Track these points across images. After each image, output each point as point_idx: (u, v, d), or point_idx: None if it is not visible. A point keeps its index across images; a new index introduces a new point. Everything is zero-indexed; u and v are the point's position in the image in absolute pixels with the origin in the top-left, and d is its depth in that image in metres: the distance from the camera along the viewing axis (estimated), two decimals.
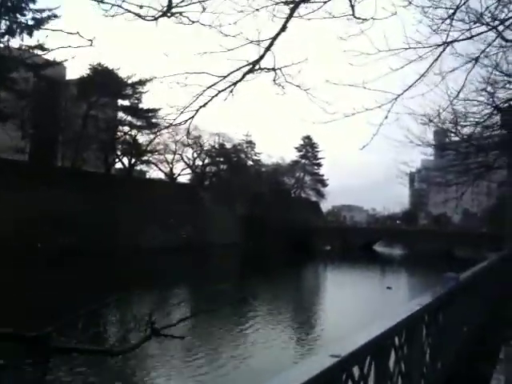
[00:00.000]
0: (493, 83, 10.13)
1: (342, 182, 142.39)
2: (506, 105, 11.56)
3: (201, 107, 5.64)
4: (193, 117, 5.72)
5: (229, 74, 5.41)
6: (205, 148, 77.98)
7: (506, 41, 7.63)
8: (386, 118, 6.46)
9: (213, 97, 5.68)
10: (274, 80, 5.50)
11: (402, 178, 12.23)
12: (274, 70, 5.51)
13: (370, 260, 62.89)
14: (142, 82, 58.72)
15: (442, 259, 62.47)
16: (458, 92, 7.49)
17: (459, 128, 10.35)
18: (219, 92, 5.61)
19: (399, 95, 6.38)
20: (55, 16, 49.21)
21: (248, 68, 5.39)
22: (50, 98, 56.26)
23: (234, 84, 5.47)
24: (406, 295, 29.25)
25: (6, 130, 52.90)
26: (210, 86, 5.60)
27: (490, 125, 11.60)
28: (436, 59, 6.20)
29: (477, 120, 10.56)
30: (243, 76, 5.32)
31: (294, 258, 59.68)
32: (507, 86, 11.28)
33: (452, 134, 10.97)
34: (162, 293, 27.01)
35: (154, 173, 76.75)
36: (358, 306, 25.15)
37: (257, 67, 5.48)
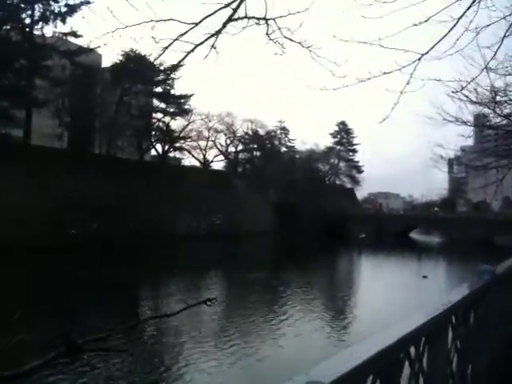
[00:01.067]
0: None
1: (380, 169, 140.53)
2: None
3: (175, 67, 4.82)
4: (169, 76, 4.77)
5: (201, 20, 4.45)
6: (238, 134, 77.63)
7: None
8: (408, 83, 5.56)
9: (188, 52, 4.66)
10: (268, 34, 4.67)
11: (436, 161, 11.29)
12: (265, 20, 4.59)
13: (406, 248, 61.38)
14: (174, 68, 58.33)
15: (480, 247, 60.65)
16: (494, 54, 6.50)
17: (498, 106, 9.45)
18: (196, 46, 4.57)
19: (423, 54, 5.46)
20: (88, 2, 49.30)
21: (228, 14, 4.41)
22: (85, 85, 56.90)
23: (215, 35, 4.48)
24: (442, 284, 28.21)
25: (42, 117, 54.04)
26: (180, 36, 4.62)
27: None
28: (469, 7, 5.29)
29: None
30: (223, 25, 4.49)
31: (327, 246, 59.00)
32: None
33: (490, 113, 10.07)
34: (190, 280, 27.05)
35: (188, 160, 77.17)
36: (392, 295, 24.32)
37: (241, 15, 4.51)
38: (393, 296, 24.04)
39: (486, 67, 8.73)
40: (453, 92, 8.48)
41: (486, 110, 9.93)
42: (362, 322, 18.33)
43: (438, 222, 79.76)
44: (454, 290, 3.82)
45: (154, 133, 62.55)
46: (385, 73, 5.41)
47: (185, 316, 18.12)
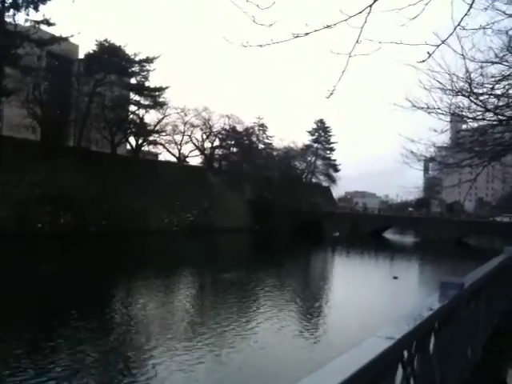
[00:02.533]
0: None
1: (358, 168, 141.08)
2: None
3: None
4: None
5: None
6: (214, 130, 76.65)
7: None
8: (358, 42, 4.59)
9: None
10: None
11: (407, 157, 10.69)
12: None
13: (379, 247, 61.48)
14: (149, 60, 57.29)
15: (453, 247, 61.17)
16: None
17: (475, 97, 8.88)
18: None
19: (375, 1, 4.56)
20: None
21: None
22: (58, 75, 55.30)
23: None
24: (411, 286, 27.95)
25: (12, 108, 52.29)
26: None
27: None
28: None
29: (495, 93, 9.11)
30: None
31: (301, 244, 58.73)
32: None
33: (466, 106, 9.48)
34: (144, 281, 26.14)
35: (164, 155, 75.89)
36: (361, 297, 23.92)
37: None
38: (362, 298, 23.67)
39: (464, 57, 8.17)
40: (425, 73, 7.88)
41: (462, 101, 9.36)
42: (329, 325, 17.91)
43: (411, 221, 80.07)
44: (411, 313, 3.16)
45: (127, 126, 60.95)
46: (328, 26, 4.62)
47: (154, 317, 17.71)
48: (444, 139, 10.48)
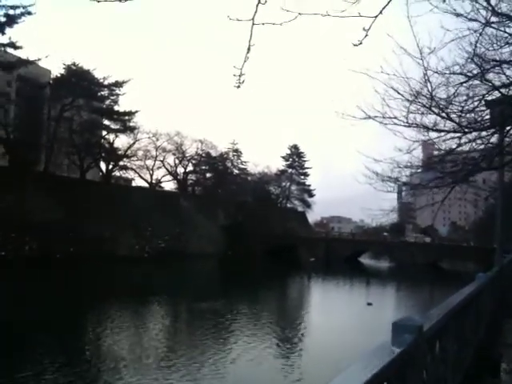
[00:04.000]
0: (481, 56, 8.06)
1: (333, 193, 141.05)
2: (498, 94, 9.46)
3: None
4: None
5: None
6: (187, 155, 75.76)
7: None
8: None
9: None
10: None
11: (371, 178, 9.93)
12: None
13: (354, 272, 60.76)
14: (118, 84, 56.47)
15: (427, 272, 60.85)
16: (431, 52, 5.20)
17: (437, 106, 8.22)
18: None
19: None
20: (29, 13, 47.12)
21: None
22: (29, 99, 54.11)
23: None
24: (384, 313, 27.08)
25: None
26: None
27: (476, 120, 9.50)
28: None
29: (460, 109, 8.47)
30: None
31: (275, 270, 57.68)
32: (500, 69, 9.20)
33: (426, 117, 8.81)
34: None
35: (139, 180, 74.46)
36: (333, 326, 22.99)
37: None
38: (334, 327, 22.80)
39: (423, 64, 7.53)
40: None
41: (423, 112, 8.67)
42: (302, 353, 17.33)
43: (386, 246, 79.88)
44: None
45: (96, 150, 59.52)
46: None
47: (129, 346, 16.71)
48: (410, 159, 9.75)
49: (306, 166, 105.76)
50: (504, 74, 9.30)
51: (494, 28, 8.06)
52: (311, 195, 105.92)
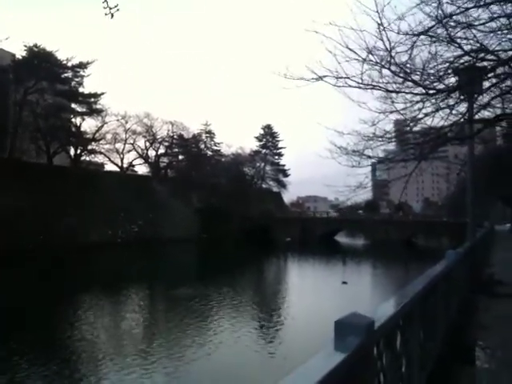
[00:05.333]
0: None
1: (308, 172, 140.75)
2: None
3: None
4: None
5: None
6: (158, 137, 74.26)
7: None
8: None
9: None
10: None
11: (335, 152, 9.31)
12: None
13: (330, 251, 60.81)
14: (82, 65, 54.61)
15: (402, 248, 61.29)
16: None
17: (398, 68, 7.59)
18: None
19: None
20: None
21: None
22: None
23: None
24: (361, 292, 26.90)
25: None
26: None
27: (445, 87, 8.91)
28: None
29: (423, 71, 7.85)
30: None
31: (251, 251, 57.33)
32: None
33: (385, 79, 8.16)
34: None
35: (110, 165, 72.75)
36: (308, 306, 22.66)
37: None
38: (310, 305, 22.49)
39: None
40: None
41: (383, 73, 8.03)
42: (278, 334, 17.18)
43: (361, 224, 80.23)
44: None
45: (63, 134, 57.59)
46: None
47: (102, 338, 16.41)
48: (375, 131, 9.13)
49: (279, 145, 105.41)
50: (474, 38, 8.71)
51: None
52: (286, 175, 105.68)
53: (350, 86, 8.02)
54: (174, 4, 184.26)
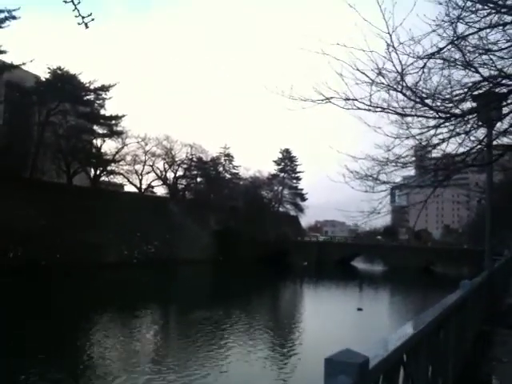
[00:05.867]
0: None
1: (326, 197, 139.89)
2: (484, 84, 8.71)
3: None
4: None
5: None
6: (177, 159, 74.84)
7: None
8: None
9: None
10: None
11: (349, 177, 9.15)
12: None
13: (346, 276, 60.06)
14: (104, 88, 55.56)
15: (420, 276, 60.21)
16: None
17: (408, 91, 7.44)
18: None
19: None
20: (13, 17, 46.29)
21: None
22: (16, 105, 53.06)
23: None
24: (375, 319, 26.35)
25: None
26: None
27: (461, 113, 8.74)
28: None
29: (438, 95, 7.69)
30: None
31: (267, 275, 56.94)
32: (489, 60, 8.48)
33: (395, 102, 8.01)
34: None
35: (129, 186, 73.41)
36: (324, 331, 22.23)
37: None
38: (324, 332, 22.04)
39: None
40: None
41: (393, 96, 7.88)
42: (290, 359, 17.03)
43: (379, 250, 79.24)
44: None
45: (83, 155, 58.40)
46: None
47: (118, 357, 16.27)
48: (389, 156, 8.95)
49: (298, 169, 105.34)
50: (492, 63, 8.54)
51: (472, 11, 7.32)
52: (304, 199, 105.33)
53: (358, 108, 7.90)
54: (191, 25, 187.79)
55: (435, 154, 10.08)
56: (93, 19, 4.79)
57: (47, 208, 49.19)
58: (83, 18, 4.76)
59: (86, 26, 4.72)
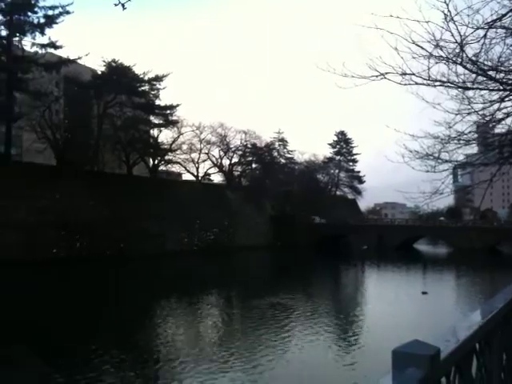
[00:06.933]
0: None
1: (387, 179, 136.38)
2: None
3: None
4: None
5: None
6: (231, 146, 75.25)
7: None
8: None
9: None
10: None
11: (410, 158, 8.64)
12: None
13: (409, 259, 58.46)
14: (158, 78, 56.43)
15: (486, 257, 57.74)
16: None
17: (468, 63, 6.82)
18: None
19: None
20: (67, 12, 47.55)
21: None
22: (75, 99, 54.98)
23: None
24: (441, 303, 25.36)
25: (26, 133, 52.01)
26: None
27: None
28: None
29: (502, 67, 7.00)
30: None
31: (326, 260, 56.52)
32: None
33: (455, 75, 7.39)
34: None
35: (186, 174, 74.75)
36: (384, 317, 21.63)
37: None
38: (388, 317, 21.43)
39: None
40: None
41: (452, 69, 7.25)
42: (355, 345, 16.50)
43: (443, 231, 76.65)
44: None
45: (141, 146, 59.78)
46: None
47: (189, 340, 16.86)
48: (451, 133, 8.35)
49: (354, 152, 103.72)
50: None
51: None
52: (361, 182, 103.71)
53: (416, 83, 7.37)
54: (246, 10, 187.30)
55: (499, 129, 9.36)
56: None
57: (109, 199, 50.71)
58: None
59: (124, 7, 4.52)
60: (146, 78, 56.39)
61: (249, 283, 34.36)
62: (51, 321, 19.35)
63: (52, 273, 36.44)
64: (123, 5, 4.39)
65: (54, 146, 52.37)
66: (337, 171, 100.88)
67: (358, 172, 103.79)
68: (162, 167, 67.55)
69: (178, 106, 59.54)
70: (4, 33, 46.56)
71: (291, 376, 13.04)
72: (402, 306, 24.57)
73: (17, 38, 46.82)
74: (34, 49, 47.67)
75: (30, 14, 46.68)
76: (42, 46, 47.28)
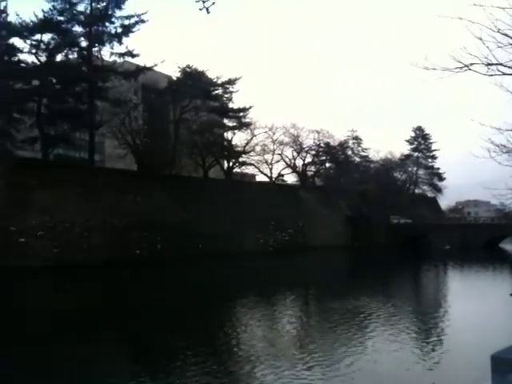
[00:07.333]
0: None
1: (472, 176, 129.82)
2: None
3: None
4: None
5: None
6: (304, 146, 74.89)
7: None
8: None
9: None
10: None
11: (495, 152, 8.15)
12: None
13: (495, 259, 55.39)
14: (231, 81, 57.38)
15: None
16: None
17: None
18: None
19: None
20: (142, 21, 49.31)
21: None
22: (152, 105, 57.13)
23: None
24: None
25: (108, 140, 54.69)
26: None
27: None
28: None
29: None
30: None
31: (406, 260, 54.97)
32: None
33: None
34: None
35: (260, 175, 75.47)
36: (469, 320, 20.55)
37: None
38: (474, 319, 20.38)
39: None
40: None
41: None
42: (438, 351, 15.33)
43: None
44: None
45: (216, 149, 61.11)
46: None
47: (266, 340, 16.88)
48: None
49: (433, 148, 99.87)
50: None
51: None
52: (441, 179, 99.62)
53: (503, 73, 6.91)
54: (310, 12, 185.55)
55: None
56: (213, 3, 4.63)
57: (188, 201, 52.20)
58: (204, 1, 4.62)
59: (208, 11, 4.58)
60: (219, 81, 57.62)
61: (327, 284, 34.03)
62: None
63: (144, 272, 38.41)
64: (207, 9, 4.44)
65: (134, 151, 54.54)
66: (415, 168, 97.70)
67: (438, 169, 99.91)
68: (236, 169, 68.54)
69: (250, 108, 60.38)
70: (84, 44, 49.11)
71: (374, 375, 12.65)
72: (488, 308, 23.23)
73: (96, 49, 49.17)
74: (113, 58, 49.86)
75: (107, 24, 48.91)
76: (120, 55, 49.31)
